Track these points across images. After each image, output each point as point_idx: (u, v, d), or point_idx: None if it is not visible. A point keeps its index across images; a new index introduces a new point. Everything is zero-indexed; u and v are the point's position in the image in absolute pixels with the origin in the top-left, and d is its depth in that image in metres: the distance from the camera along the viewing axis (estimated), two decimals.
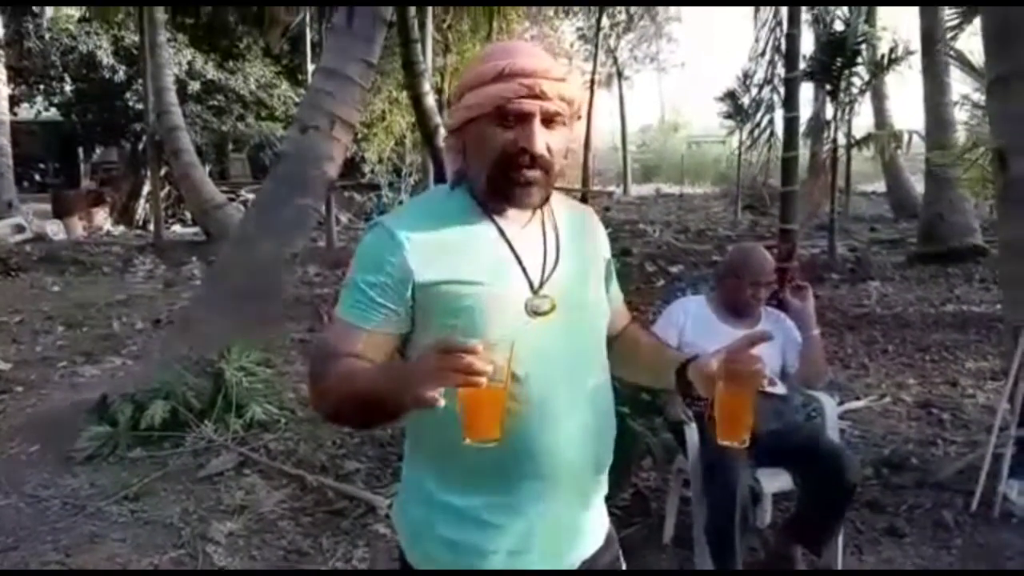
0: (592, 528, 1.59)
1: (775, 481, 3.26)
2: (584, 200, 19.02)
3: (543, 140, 1.40)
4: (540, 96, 1.39)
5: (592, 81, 20.69)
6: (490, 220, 1.46)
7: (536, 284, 1.45)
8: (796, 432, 3.37)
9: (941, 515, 3.83)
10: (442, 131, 12.09)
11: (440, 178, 12.34)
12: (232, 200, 15.86)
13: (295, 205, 5.04)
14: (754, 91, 11.15)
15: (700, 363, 1.51)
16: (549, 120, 1.42)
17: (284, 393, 5.67)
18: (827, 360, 6.30)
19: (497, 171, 1.41)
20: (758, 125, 9.99)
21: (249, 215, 6.17)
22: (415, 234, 1.41)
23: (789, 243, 5.60)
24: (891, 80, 15.93)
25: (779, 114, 8.85)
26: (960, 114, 12.50)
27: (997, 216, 5.03)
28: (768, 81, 9.18)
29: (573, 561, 1.54)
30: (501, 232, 1.45)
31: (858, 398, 5.86)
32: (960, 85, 11.78)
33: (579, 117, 1.51)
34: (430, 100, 11.36)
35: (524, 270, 1.45)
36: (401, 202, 17.77)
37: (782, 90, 7.13)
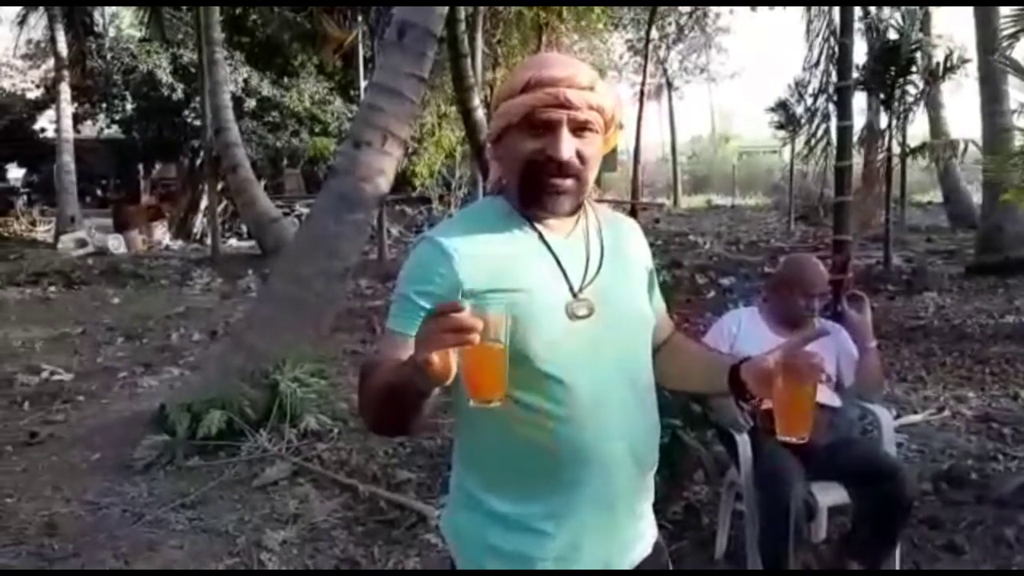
0: (641, 534, 1.60)
1: (830, 495, 3.21)
2: (634, 212, 18.95)
3: (571, 148, 1.42)
4: (566, 105, 1.41)
5: (642, 93, 20.64)
6: (532, 228, 1.48)
7: (576, 288, 1.47)
8: (852, 445, 3.32)
9: (1002, 532, 3.74)
10: (490, 144, 12.15)
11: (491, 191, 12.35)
12: (287, 214, 16.13)
13: (348, 220, 5.11)
14: (808, 100, 11.04)
15: (755, 361, 1.52)
16: (579, 128, 1.44)
17: (337, 404, 5.74)
18: (883, 373, 6.22)
19: (526, 179, 1.45)
20: (814, 135, 9.89)
21: (303, 229, 6.28)
22: (462, 245, 1.44)
23: (843, 254, 5.54)
24: (946, 89, 15.68)
25: (832, 124, 8.75)
26: (1019, 122, 12.21)
27: None
28: (822, 90, 9.10)
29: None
30: (543, 239, 1.48)
31: (916, 411, 5.75)
32: (1018, 93, 11.51)
33: (620, 126, 1.53)
34: (479, 114, 11.46)
35: (565, 276, 1.47)
36: (450, 215, 17.88)
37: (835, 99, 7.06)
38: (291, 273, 5.48)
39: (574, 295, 1.46)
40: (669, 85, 25.48)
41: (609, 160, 25.18)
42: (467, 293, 1.39)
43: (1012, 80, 11.15)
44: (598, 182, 23.84)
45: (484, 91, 14.96)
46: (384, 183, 5.19)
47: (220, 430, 4.91)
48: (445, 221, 1.61)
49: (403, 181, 17.95)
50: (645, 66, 21.62)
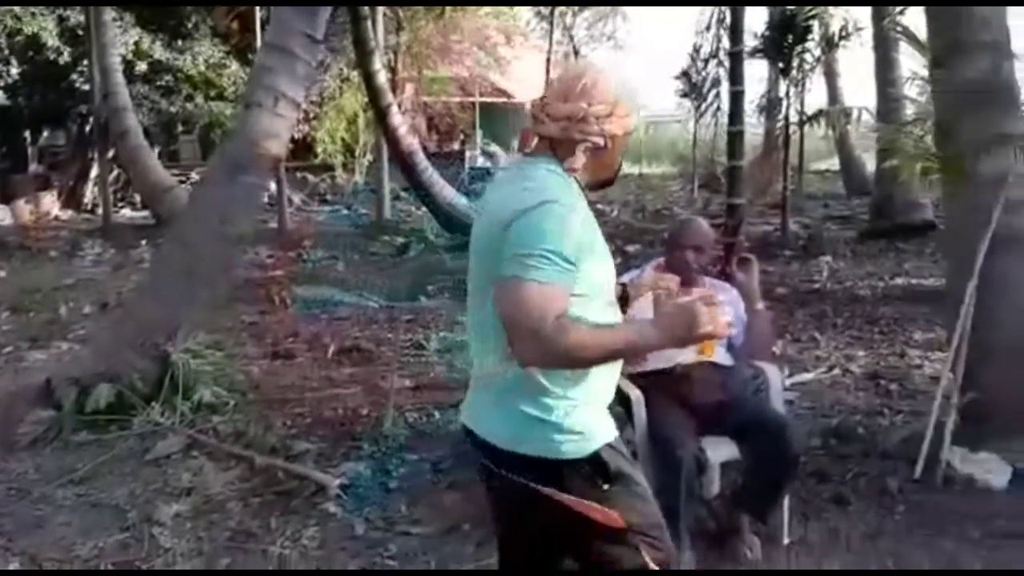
0: None
1: (720, 451, 3.28)
2: None
3: None
4: None
5: (548, 60, 20.58)
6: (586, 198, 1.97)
7: None
8: (742, 403, 3.40)
9: (885, 483, 3.89)
10: (395, 109, 12.02)
11: (396, 157, 12.27)
12: (183, 183, 15.56)
13: (240, 184, 4.94)
14: (699, 65, 11.20)
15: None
16: None
17: (234, 375, 5.62)
18: (778, 334, 6.40)
19: (605, 181, 2.05)
20: (704, 99, 10.04)
21: (195, 195, 6.07)
22: (581, 212, 1.86)
23: (736, 217, 5.63)
24: (843, 57, 16.11)
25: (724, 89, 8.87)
26: (911, 90, 12.63)
27: (940, 190, 5.10)
28: (713, 55, 9.22)
29: None
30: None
31: (808, 370, 5.94)
32: (910, 61, 11.89)
33: None
34: (382, 78, 11.29)
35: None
36: (356, 183, 17.60)
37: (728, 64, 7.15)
38: (182, 240, 5.30)
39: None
40: (576, 53, 25.40)
41: (517, 127, 25.12)
42: (584, 247, 1.82)
43: (904, 48, 11.51)
44: (507, 150, 23.62)
45: (387, 55, 14.71)
46: (277, 146, 5.03)
47: (110, 404, 4.75)
48: (553, 185, 1.88)
49: (305, 148, 17.56)
50: (551, 33, 21.57)
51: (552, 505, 1.87)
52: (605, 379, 1.96)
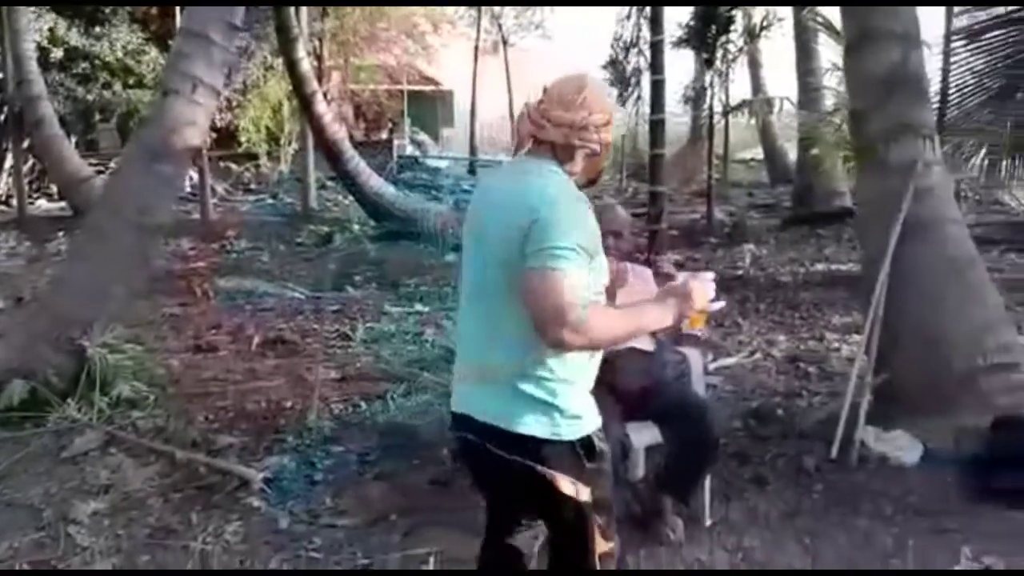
0: None
1: (644, 435, 3.33)
2: (472, 170, 18.98)
3: None
4: None
5: (476, 48, 20.55)
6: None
7: None
8: (664, 388, 3.44)
9: (803, 462, 4.00)
10: (319, 97, 11.83)
11: (321, 146, 12.08)
12: (101, 173, 15.10)
13: (156, 172, 4.81)
14: (619, 54, 11.29)
15: None
16: None
17: (154, 369, 5.49)
18: (702, 320, 6.51)
19: (594, 183, 2.21)
20: (627, 87, 10.13)
21: (110, 184, 5.89)
22: (591, 210, 2.04)
23: (659, 206, 5.70)
24: (766, 48, 16.41)
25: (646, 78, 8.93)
26: (830, 80, 12.97)
27: (855, 177, 5.25)
28: (634, 44, 9.30)
29: None
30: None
31: (731, 355, 6.05)
32: (829, 51, 12.19)
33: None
34: (305, 65, 11.10)
35: None
36: (281, 172, 17.29)
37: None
38: (99, 231, 5.13)
39: None
40: (504, 42, 25.34)
41: (446, 116, 25.01)
42: (596, 241, 2.02)
43: (823, 38, 11.78)
44: (436, 138, 23.47)
45: (312, 42, 14.47)
46: (196, 134, 4.91)
47: (24, 400, 4.60)
48: (567, 185, 2.05)
49: (228, 137, 17.19)
50: (479, 21, 21.52)
51: (541, 480, 2.03)
52: (596, 365, 2.13)
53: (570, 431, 2.03)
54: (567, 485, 2.03)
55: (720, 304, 2.23)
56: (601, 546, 2.13)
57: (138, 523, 3.59)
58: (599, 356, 2.15)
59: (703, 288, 2.14)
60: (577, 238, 1.92)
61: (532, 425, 2.01)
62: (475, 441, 2.08)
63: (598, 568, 2.13)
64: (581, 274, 1.93)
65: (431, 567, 3.10)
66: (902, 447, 4.01)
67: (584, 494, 2.05)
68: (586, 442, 2.05)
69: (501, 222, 2.00)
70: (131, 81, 16.47)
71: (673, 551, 3.26)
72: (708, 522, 3.46)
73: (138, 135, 5.14)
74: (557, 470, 2.02)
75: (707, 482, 3.44)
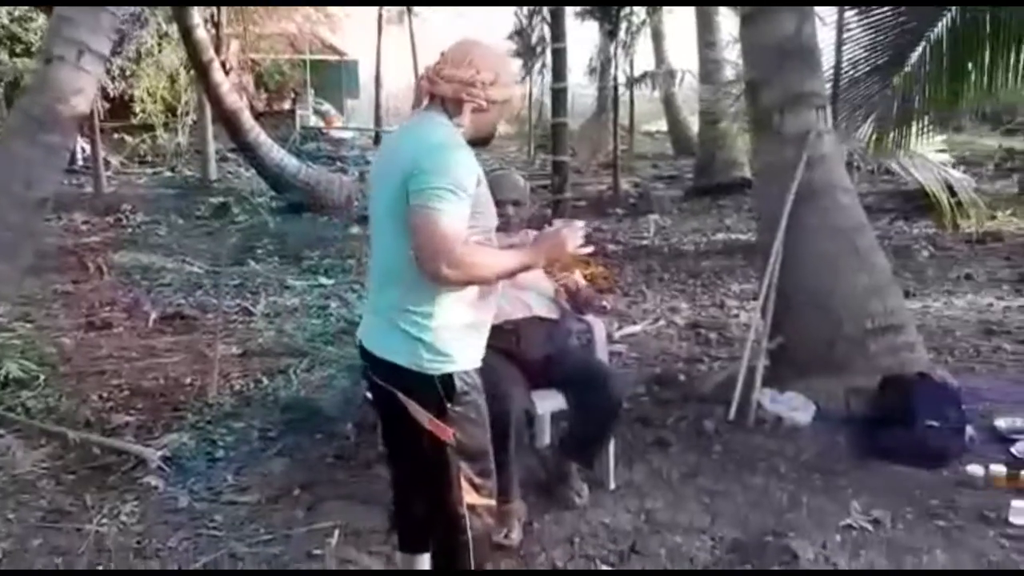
0: None
1: (548, 402, 3.36)
2: (378, 141, 18.70)
3: None
4: None
5: (380, 17, 20.18)
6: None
7: None
8: (568, 355, 3.48)
9: (703, 425, 4.10)
10: (216, 66, 11.45)
11: (219, 117, 11.69)
12: None
13: (41, 143, 4.56)
14: (526, 23, 11.29)
15: None
16: None
17: (44, 348, 5.29)
18: (609, 289, 6.62)
19: (486, 140, 2.35)
20: (532, 57, 10.12)
21: None
22: (471, 155, 2.17)
23: (562, 175, 5.71)
24: (668, 20, 16.62)
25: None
26: (731, 53, 13.22)
27: (752, 147, 5.37)
28: (537, 11, 9.26)
29: None
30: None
31: (635, 323, 6.16)
32: (729, 23, 12.42)
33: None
34: (201, 32, 10.72)
35: None
36: (178, 144, 16.70)
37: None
38: None
39: None
40: (409, 8, 24.94)
41: (351, 86, 24.55)
42: (478, 184, 2.16)
43: (724, 10, 11.99)
44: (340, 109, 23.00)
45: (209, 9, 13.96)
46: (82, 102, 4.66)
47: None
48: (448, 133, 2.19)
49: (123, 107, 16.51)
50: None
51: (400, 407, 2.20)
52: (477, 311, 2.26)
53: (432, 366, 2.18)
54: (422, 416, 2.18)
55: (588, 249, 2.39)
56: (472, 497, 2.26)
57: (28, 506, 3.45)
58: (481, 305, 2.27)
59: (573, 234, 2.31)
60: (455, 179, 2.08)
61: (398, 354, 2.20)
62: (367, 367, 2.32)
63: (463, 516, 2.25)
64: (460, 213, 2.09)
65: (335, 541, 3.07)
66: (796, 408, 4.16)
67: (446, 435, 2.19)
68: (447, 380, 2.18)
69: (391, 170, 2.18)
70: (18, 49, 15.63)
71: (578, 514, 3.30)
72: (612, 485, 3.52)
73: (21, 104, 4.88)
74: (415, 400, 2.19)
75: (611, 446, 3.51)
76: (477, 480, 2.27)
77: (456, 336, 2.21)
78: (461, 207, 2.09)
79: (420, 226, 2.07)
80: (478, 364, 2.30)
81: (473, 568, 2.28)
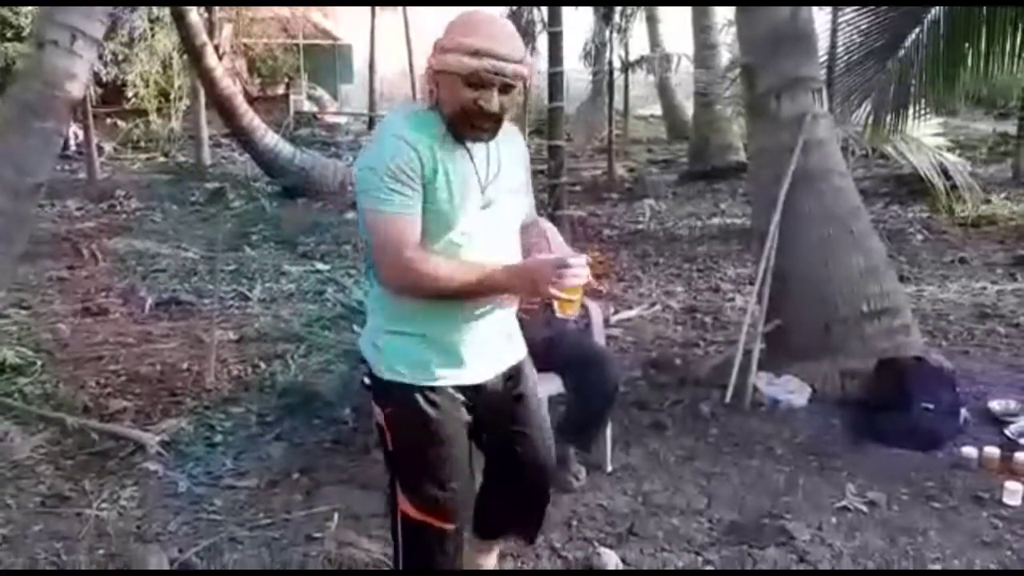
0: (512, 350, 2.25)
1: (546, 386, 3.35)
2: (371, 124, 18.63)
3: (497, 102, 1.91)
4: (502, 74, 1.88)
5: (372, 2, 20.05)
6: (459, 141, 1.98)
7: (483, 186, 2.02)
8: (565, 339, 3.49)
9: (699, 408, 4.13)
10: (210, 50, 11.38)
11: (213, 102, 11.64)
12: None
13: (35, 130, 4.54)
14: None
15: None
16: (506, 87, 1.91)
17: (41, 334, 5.29)
18: (605, 274, 6.62)
19: (457, 118, 1.93)
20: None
21: None
22: (418, 144, 1.91)
23: (558, 160, 5.70)
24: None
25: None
26: (726, 38, 13.18)
27: (747, 131, 5.37)
28: None
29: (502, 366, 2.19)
30: (467, 150, 1.99)
31: (631, 307, 6.17)
32: (725, 8, 12.35)
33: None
34: (194, 16, 10.65)
35: (479, 178, 2.01)
36: (172, 129, 16.61)
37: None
38: None
39: (482, 191, 2.01)
40: None
41: (344, 71, 24.44)
42: (425, 177, 1.92)
43: None
44: (334, 95, 22.91)
45: None
46: (76, 88, 4.64)
47: None
48: (399, 120, 1.98)
49: (116, 92, 16.42)
50: None
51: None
52: (441, 326, 2.05)
53: (377, 368, 2.11)
54: (379, 420, 2.14)
55: (582, 282, 1.93)
56: (408, 509, 2.13)
57: (28, 492, 3.46)
58: (451, 316, 2.04)
59: (558, 276, 1.89)
60: (389, 171, 1.89)
61: (364, 346, 2.17)
62: None
63: (397, 521, 2.18)
64: (404, 213, 1.91)
65: (334, 524, 3.09)
66: (792, 391, 4.19)
67: (384, 438, 2.14)
68: (390, 388, 2.07)
69: None
70: (9, 34, 15.52)
71: (576, 497, 3.32)
72: (610, 468, 3.55)
73: (13, 90, 4.85)
74: (375, 403, 2.14)
75: (608, 430, 3.52)
76: (413, 498, 2.14)
77: (406, 346, 2.06)
78: (405, 204, 1.91)
79: (368, 227, 1.96)
80: (435, 382, 2.07)
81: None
